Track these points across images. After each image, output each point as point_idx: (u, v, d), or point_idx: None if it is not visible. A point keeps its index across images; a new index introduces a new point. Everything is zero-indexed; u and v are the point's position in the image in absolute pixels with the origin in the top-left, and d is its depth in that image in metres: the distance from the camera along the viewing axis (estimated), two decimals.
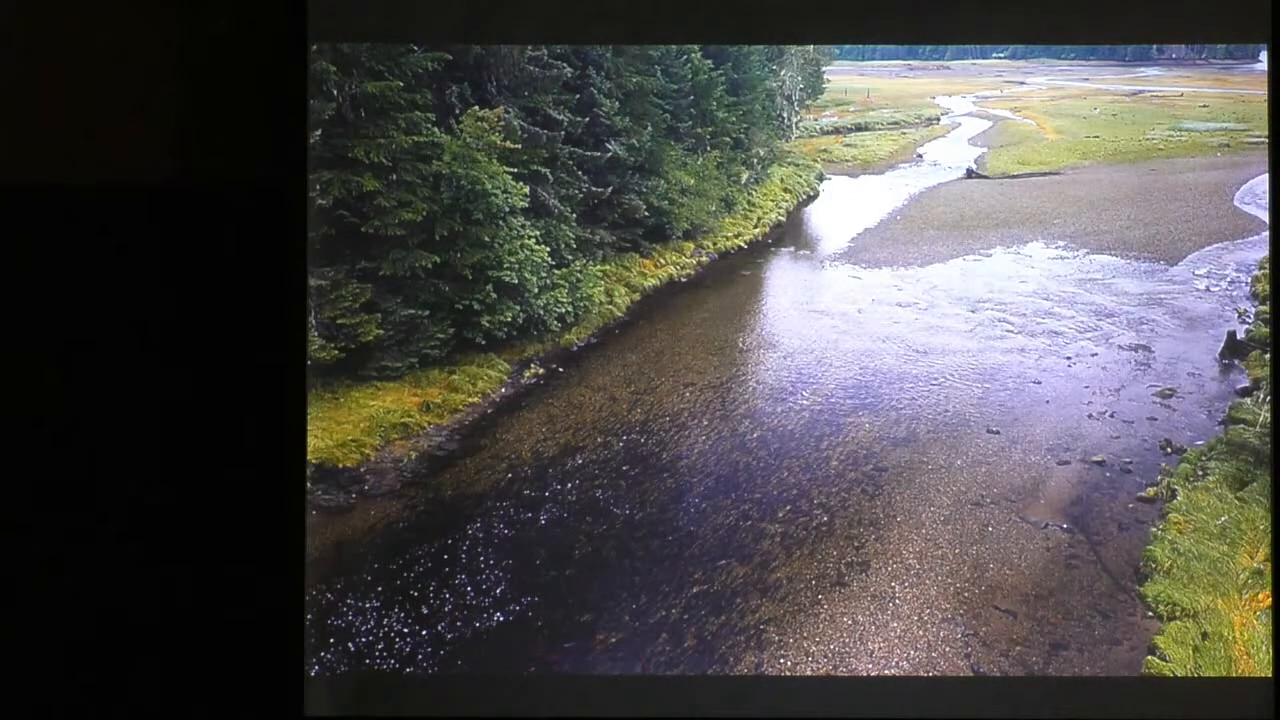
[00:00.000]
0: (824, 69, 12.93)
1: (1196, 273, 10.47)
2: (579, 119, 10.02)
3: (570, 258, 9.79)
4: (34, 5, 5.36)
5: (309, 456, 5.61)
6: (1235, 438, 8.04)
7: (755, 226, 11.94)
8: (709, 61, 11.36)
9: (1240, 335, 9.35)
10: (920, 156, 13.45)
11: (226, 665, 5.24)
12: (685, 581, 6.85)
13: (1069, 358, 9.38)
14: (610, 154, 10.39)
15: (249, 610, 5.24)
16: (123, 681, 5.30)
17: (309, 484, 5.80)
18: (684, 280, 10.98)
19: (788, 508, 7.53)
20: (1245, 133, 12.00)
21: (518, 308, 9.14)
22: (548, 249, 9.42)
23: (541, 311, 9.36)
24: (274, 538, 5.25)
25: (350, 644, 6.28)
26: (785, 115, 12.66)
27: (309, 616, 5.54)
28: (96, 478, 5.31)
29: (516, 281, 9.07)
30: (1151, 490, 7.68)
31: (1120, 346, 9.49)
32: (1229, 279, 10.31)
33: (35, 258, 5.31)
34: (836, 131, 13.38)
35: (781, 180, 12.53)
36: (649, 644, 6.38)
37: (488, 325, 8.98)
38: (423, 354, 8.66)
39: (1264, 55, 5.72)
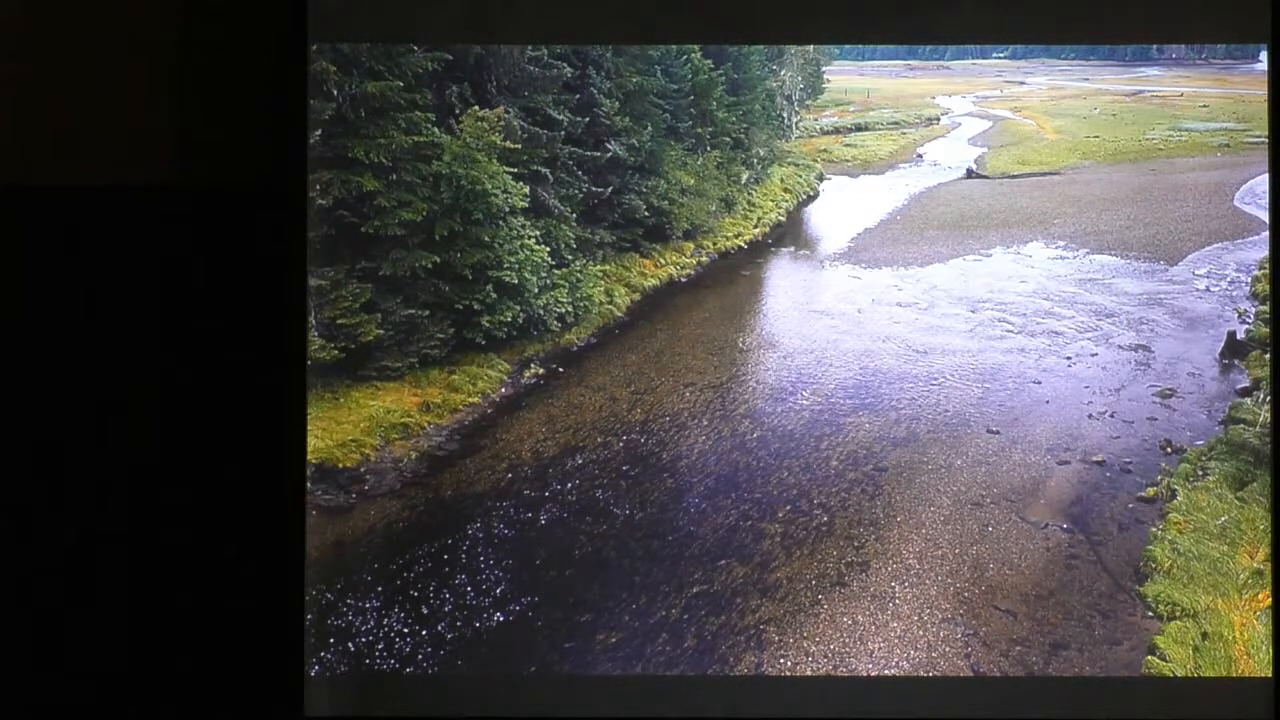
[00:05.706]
0: (824, 69, 12.91)
1: (1196, 273, 10.47)
2: (579, 119, 10.02)
3: (570, 258, 9.78)
4: (34, 5, 5.36)
5: (309, 456, 5.61)
6: (1235, 438, 8.04)
7: (755, 226, 11.93)
8: (709, 61, 11.34)
9: (1240, 335, 9.35)
10: (920, 156, 13.44)
11: (226, 665, 5.24)
12: (685, 581, 6.84)
13: (1069, 358, 9.37)
14: (610, 154, 10.38)
15: (249, 610, 5.24)
16: (122, 681, 5.30)
17: (309, 484, 5.81)
18: (684, 280, 10.97)
19: (788, 508, 7.52)
20: (1245, 133, 11.99)
21: (518, 308, 9.13)
22: (548, 249, 9.41)
23: (541, 311, 9.36)
24: (274, 538, 5.25)
25: (350, 644, 6.28)
26: (785, 115, 12.65)
27: (309, 616, 5.54)
28: (95, 477, 5.31)
29: (516, 281, 9.07)
30: (1151, 490, 7.67)
31: (1120, 346, 9.48)
32: (1229, 279, 10.30)
33: (35, 258, 5.31)
34: (836, 131, 13.37)
35: (781, 180, 12.52)
36: (649, 644, 6.37)
37: (488, 325, 8.97)
38: (423, 354, 8.66)
39: (1264, 55, 5.72)
